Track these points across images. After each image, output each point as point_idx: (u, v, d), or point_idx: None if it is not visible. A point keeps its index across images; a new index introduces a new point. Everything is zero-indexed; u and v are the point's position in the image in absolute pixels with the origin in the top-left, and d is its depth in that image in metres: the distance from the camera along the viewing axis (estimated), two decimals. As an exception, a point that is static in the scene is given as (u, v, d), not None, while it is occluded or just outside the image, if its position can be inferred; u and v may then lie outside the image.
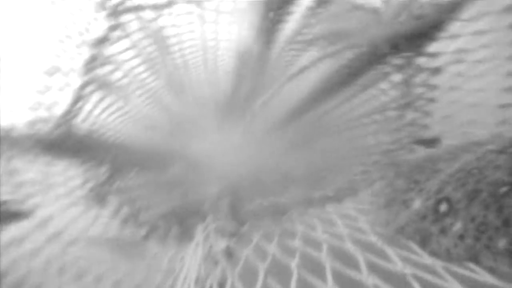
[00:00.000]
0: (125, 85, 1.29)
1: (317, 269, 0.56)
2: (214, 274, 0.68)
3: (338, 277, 0.53)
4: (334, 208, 0.83)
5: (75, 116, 1.09)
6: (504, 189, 0.49)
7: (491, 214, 0.48)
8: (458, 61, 0.97)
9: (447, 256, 0.49)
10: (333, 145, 1.36)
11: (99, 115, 1.16)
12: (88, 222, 0.95)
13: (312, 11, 1.18)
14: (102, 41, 1.15)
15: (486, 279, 0.45)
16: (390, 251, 0.52)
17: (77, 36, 1.12)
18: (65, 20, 1.11)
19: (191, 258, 0.79)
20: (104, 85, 1.16)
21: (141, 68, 1.35)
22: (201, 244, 0.79)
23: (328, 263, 0.56)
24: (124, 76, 1.28)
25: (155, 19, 1.22)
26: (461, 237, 0.49)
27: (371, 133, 1.21)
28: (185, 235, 0.97)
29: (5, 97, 1.00)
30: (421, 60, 1.04)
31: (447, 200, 0.53)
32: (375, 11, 1.06)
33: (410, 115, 1.07)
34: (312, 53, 1.26)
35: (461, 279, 0.46)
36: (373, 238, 0.57)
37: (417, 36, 1.01)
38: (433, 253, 0.51)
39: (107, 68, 1.19)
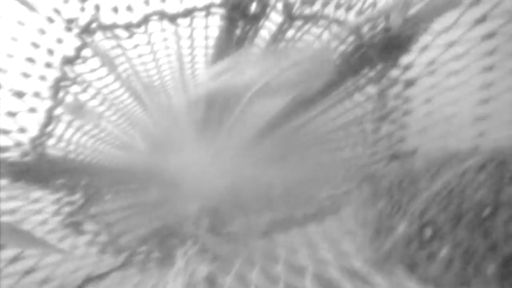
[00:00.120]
0: (97, 105, 1.26)
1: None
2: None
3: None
4: (316, 228, 0.82)
5: (47, 139, 1.05)
6: (487, 210, 0.48)
7: (477, 238, 0.48)
8: (431, 73, 0.98)
9: (437, 283, 0.49)
10: (311, 158, 1.36)
11: (71, 137, 1.12)
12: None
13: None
14: (72, 60, 1.12)
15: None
16: (377, 278, 0.51)
17: (47, 55, 1.09)
18: (34, 38, 1.07)
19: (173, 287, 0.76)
20: (75, 105, 1.13)
21: (113, 87, 1.33)
22: (182, 271, 0.77)
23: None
24: (96, 94, 1.25)
25: (128, 38, 1.20)
26: (449, 263, 0.49)
27: (349, 146, 1.20)
28: (166, 260, 0.94)
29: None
30: (395, 72, 1.05)
31: (431, 224, 0.52)
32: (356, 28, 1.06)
33: (386, 128, 1.07)
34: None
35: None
36: (358, 264, 0.56)
37: (390, 48, 1.02)
38: (422, 280, 0.50)
39: (78, 87, 1.16)
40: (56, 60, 1.11)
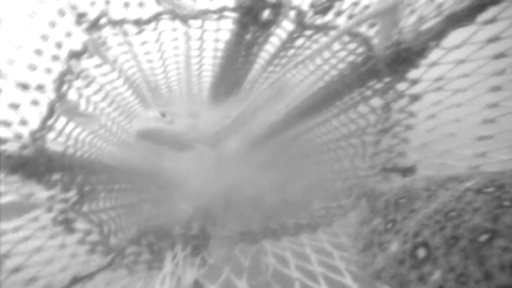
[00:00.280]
0: (99, 100, 1.26)
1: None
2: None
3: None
4: (308, 240, 0.80)
5: (47, 132, 1.04)
6: (484, 237, 0.47)
7: (471, 265, 0.46)
8: (438, 89, 0.97)
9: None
10: (308, 167, 1.35)
11: (71, 132, 1.12)
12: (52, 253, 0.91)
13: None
14: (78, 54, 1.12)
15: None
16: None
17: (54, 49, 1.08)
18: (42, 31, 1.07)
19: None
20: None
21: (117, 83, 1.33)
22: (169, 277, 0.75)
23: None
24: (99, 90, 1.25)
25: (137, 34, 1.19)
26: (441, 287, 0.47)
27: (348, 157, 1.19)
28: (155, 263, 0.93)
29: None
30: (402, 86, 1.04)
31: (425, 245, 0.51)
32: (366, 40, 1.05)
33: (387, 141, 1.06)
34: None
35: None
36: (348, 281, 0.54)
37: (399, 62, 1.01)
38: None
39: (82, 82, 1.15)
40: (64, 53, 1.10)
